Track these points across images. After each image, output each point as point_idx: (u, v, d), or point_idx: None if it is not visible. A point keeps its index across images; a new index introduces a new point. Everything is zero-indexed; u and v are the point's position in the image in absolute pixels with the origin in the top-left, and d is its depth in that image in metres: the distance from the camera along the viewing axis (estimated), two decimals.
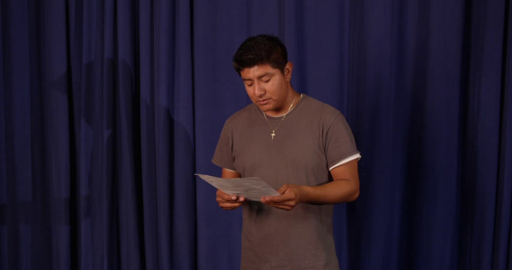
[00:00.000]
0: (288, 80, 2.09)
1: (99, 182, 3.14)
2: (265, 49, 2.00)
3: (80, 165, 3.18)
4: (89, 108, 3.16)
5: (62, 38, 3.14)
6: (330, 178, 2.10)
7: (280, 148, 2.08)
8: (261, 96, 2.03)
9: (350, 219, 2.91)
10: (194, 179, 3.07)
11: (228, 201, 1.95)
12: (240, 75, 2.06)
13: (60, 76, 3.14)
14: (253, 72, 2.00)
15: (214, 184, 1.94)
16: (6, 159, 3.28)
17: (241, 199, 1.94)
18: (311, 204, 2.04)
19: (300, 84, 2.85)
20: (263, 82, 2.02)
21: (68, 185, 3.19)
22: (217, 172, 2.32)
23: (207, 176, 1.89)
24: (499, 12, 2.68)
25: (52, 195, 3.21)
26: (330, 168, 2.08)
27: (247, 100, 2.73)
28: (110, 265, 3.15)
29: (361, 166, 2.77)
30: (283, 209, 1.89)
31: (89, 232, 3.20)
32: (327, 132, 2.06)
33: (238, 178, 1.92)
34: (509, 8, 2.69)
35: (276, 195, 1.86)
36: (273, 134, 2.11)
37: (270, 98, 2.04)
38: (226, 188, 1.92)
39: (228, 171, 2.26)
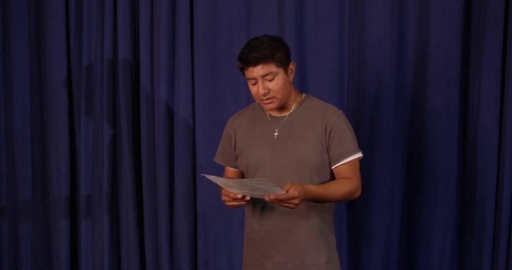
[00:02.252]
0: (291, 79, 2.10)
1: (99, 181, 3.13)
2: (269, 48, 2.01)
3: (80, 165, 3.18)
4: (89, 108, 3.16)
5: (62, 38, 3.13)
6: (332, 176, 2.12)
7: (283, 147, 2.09)
8: (265, 95, 2.04)
9: (350, 219, 2.92)
10: (194, 179, 3.07)
11: (234, 199, 1.96)
12: (243, 74, 2.07)
13: (60, 76, 3.14)
14: (257, 71, 2.02)
15: (220, 184, 1.96)
16: (6, 159, 3.27)
17: (247, 198, 1.96)
18: (314, 202, 2.05)
19: (300, 84, 2.85)
20: (267, 81, 2.03)
21: (68, 185, 3.19)
22: (219, 170, 2.32)
23: (214, 176, 1.91)
24: (499, 12, 2.69)
25: (52, 195, 3.21)
26: (333, 167, 2.10)
27: (247, 100, 2.73)
28: (109, 265, 3.15)
29: (361, 166, 2.78)
30: (287, 207, 1.92)
31: (89, 232, 3.20)
32: (330, 132, 2.08)
33: (245, 179, 1.92)
34: (509, 8, 2.69)
35: (280, 193, 1.87)
36: (276, 133, 2.12)
37: (273, 97, 2.06)
38: (232, 187, 1.94)
39: (230, 169, 2.27)
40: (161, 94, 3.02)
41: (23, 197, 3.29)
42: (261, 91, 2.03)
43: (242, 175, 2.23)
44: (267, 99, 2.06)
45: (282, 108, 2.13)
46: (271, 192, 1.88)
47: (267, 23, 2.89)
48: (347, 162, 2.08)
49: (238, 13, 2.98)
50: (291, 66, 2.09)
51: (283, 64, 2.05)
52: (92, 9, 3.12)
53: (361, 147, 2.13)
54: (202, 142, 3.02)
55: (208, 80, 3.02)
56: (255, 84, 2.05)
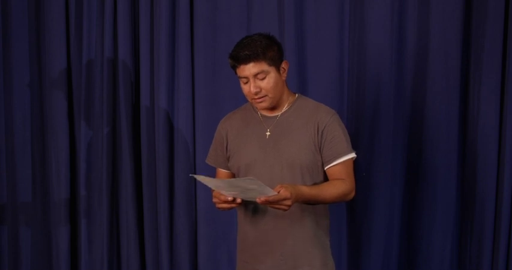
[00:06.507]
0: (283, 78, 2.08)
1: (99, 182, 3.13)
2: (261, 46, 1.99)
3: (80, 165, 3.18)
4: (89, 108, 3.16)
5: (62, 38, 3.13)
6: (326, 178, 2.09)
7: (275, 147, 2.07)
8: (256, 93, 2.02)
9: (350, 219, 2.91)
10: (194, 179, 3.06)
11: (225, 202, 1.93)
12: (236, 73, 2.06)
13: (60, 76, 3.14)
14: (248, 69, 2.00)
15: (209, 185, 1.93)
16: (6, 159, 3.27)
17: (238, 201, 1.92)
18: (307, 204, 2.02)
19: (300, 84, 2.85)
20: (259, 80, 2.01)
21: (67, 185, 3.19)
22: (213, 172, 2.32)
23: (203, 176, 1.88)
24: (499, 12, 2.69)
25: (52, 195, 3.21)
26: (326, 168, 2.06)
27: (247, 100, 2.72)
28: (109, 265, 3.15)
29: (361, 166, 2.78)
30: (279, 209, 1.88)
31: (89, 232, 3.20)
32: (322, 132, 2.05)
33: (234, 178, 1.89)
34: (509, 8, 2.69)
35: (271, 194, 1.84)
36: (267, 133, 2.10)
37: (265, 96, 2.03)
38: (222, 188, 1.91)
39: (222, 171, 2.25)
40: (161, 94, 3.02)
41: (23, 197, 3.28)
42: (253, 90, 2.01)
43: (234, 177, 2.19)
44: (258, 98, 2.04)
45: (274, 107, 2.10)
46: (262, 192, 1.83)
47: (267, 23, 2.89)
48: (340, 163, 2.04)
49: (238, 13, 2.98)
50: (284, 65, 2.06)
51: (275, 62, 2.03)
52: (92, 9, 3.11)
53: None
54: (202, 142, 3.02)
55: (208, 80, 3.02)
56: (246, 82, 2.03)
